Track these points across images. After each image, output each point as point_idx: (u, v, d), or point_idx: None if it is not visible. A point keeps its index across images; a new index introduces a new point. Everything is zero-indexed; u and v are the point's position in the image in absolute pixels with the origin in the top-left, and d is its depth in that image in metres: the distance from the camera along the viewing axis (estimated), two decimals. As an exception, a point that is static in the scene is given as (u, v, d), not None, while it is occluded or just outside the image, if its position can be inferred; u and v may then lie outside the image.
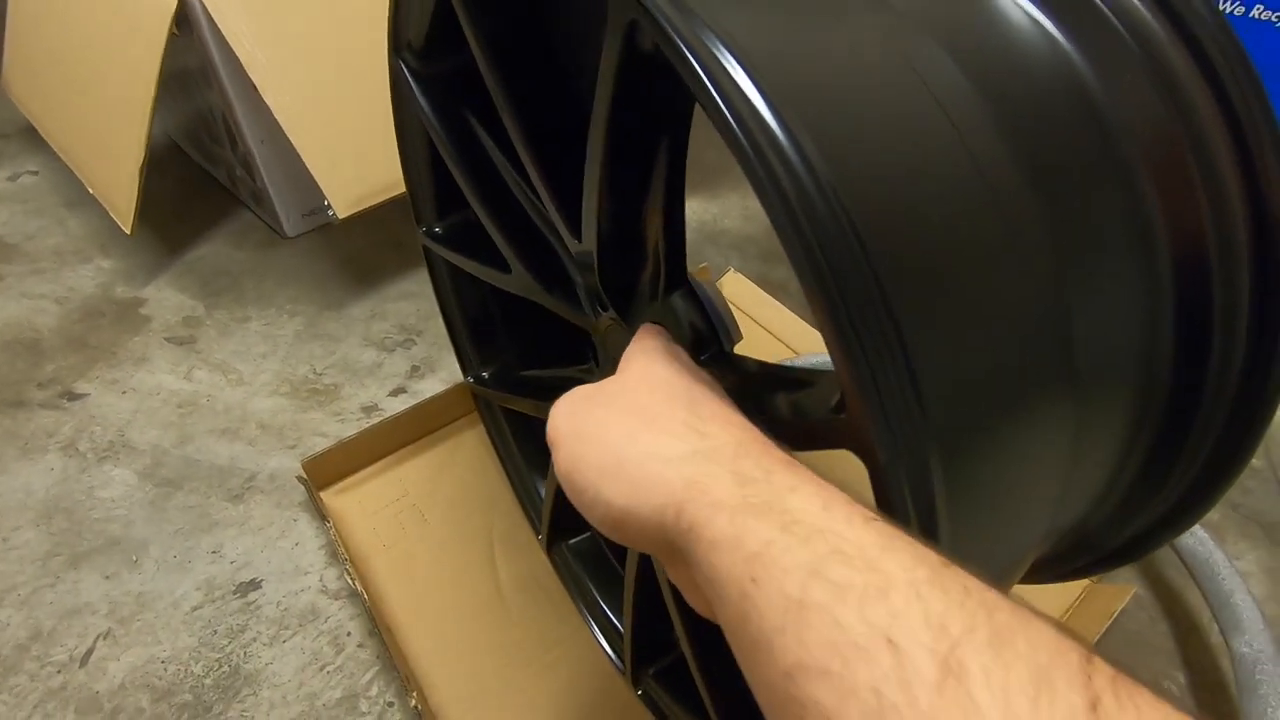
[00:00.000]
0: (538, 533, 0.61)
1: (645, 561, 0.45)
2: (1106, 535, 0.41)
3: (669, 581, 0.42)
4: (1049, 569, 0.44)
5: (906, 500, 0.20)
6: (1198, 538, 0.55)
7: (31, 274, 0.87)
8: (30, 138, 1.05)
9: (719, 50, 0.22)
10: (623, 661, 0.53)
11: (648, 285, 0.36)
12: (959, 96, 0.30)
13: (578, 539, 0.61)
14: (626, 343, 0.41)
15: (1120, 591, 0.56)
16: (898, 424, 0.20)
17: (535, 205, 0.42)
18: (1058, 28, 0.36)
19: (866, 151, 0.24)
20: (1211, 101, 0.30)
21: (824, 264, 0.20)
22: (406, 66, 0.44)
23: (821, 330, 0.21)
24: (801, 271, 0.20)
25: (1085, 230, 0.30)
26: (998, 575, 0.31)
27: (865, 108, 0.27)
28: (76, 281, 0.86)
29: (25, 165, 1.03)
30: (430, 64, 0.43)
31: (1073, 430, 0.29)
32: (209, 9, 0.70)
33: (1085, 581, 0.59)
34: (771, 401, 0.31)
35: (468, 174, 0.44)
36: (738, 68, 0.21)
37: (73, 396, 0.74)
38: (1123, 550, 0.41)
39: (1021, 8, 0.37)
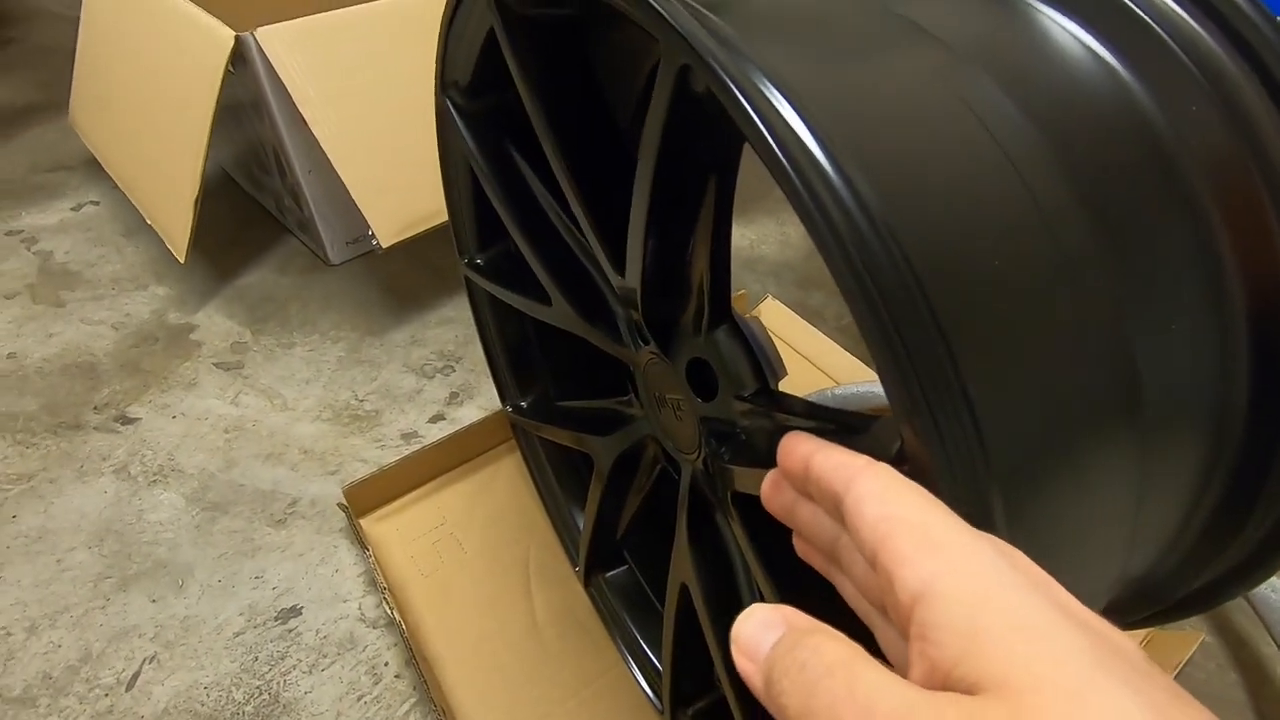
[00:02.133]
0: (574, 564, 0.61)
1: (685, 599, 0.44)
2: (1175, 584, 0.39)
3: (710, 621, 0.41)
4: (1113, 618, 0.42)
5: None
6: (1271, 585, 0.52)
7: (91, 300, 0.91)
8: (92, 169, 1.09)
9: (770, 92, 0.21)
10: (660, 700, 0.52)
11: (691, 321, 0.36)
12: (1014, 131, 0.29)
13: (615, 572, 0.60)
14: (667, 376, 0.41)
15: (1187, 639, 0.53)
16: (962, 473, 0.19)
17: (577, 238, 0.43)
18: (1116, 57, 0.35)
19: (922, 192, 0.24)
20: (1287, 135, 0.29)
21: (884, 311, 0.19)
22: (452, 104, 0.44)
23: (880, 375, 0.21)
24: (862, 320, 0.20)
25: (1151, 270, 0.29)
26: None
27: (920, 146, 0.26)
28: (132, 307, 0.89)
29: (88, 195, 1.07)
30: (475, 101, 0.44)
31: (1138, 476, 0.28)
32: (263, 46, 0.73)
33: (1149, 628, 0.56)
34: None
35: (510, 207, 0.44)
36: (790, 109, 0.20)
37: (126, 420, 0.76)
38: (1191, 601, 0.39)
39: (1076, 37, 0.36)
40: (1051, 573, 0.26)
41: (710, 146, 0.26)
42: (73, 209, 1.05)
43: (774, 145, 0.19)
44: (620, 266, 0.35)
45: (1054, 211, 0.28)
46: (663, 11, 0.21)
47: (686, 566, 0.42)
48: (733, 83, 0.19)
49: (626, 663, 0.56)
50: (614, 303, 0.43)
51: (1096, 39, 0.36)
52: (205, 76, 0.73)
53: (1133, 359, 0.27)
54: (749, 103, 0.19)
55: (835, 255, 0.19)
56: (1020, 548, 0.22)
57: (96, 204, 1.06)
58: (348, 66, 0.76)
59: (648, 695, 0.54)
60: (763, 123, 0.19)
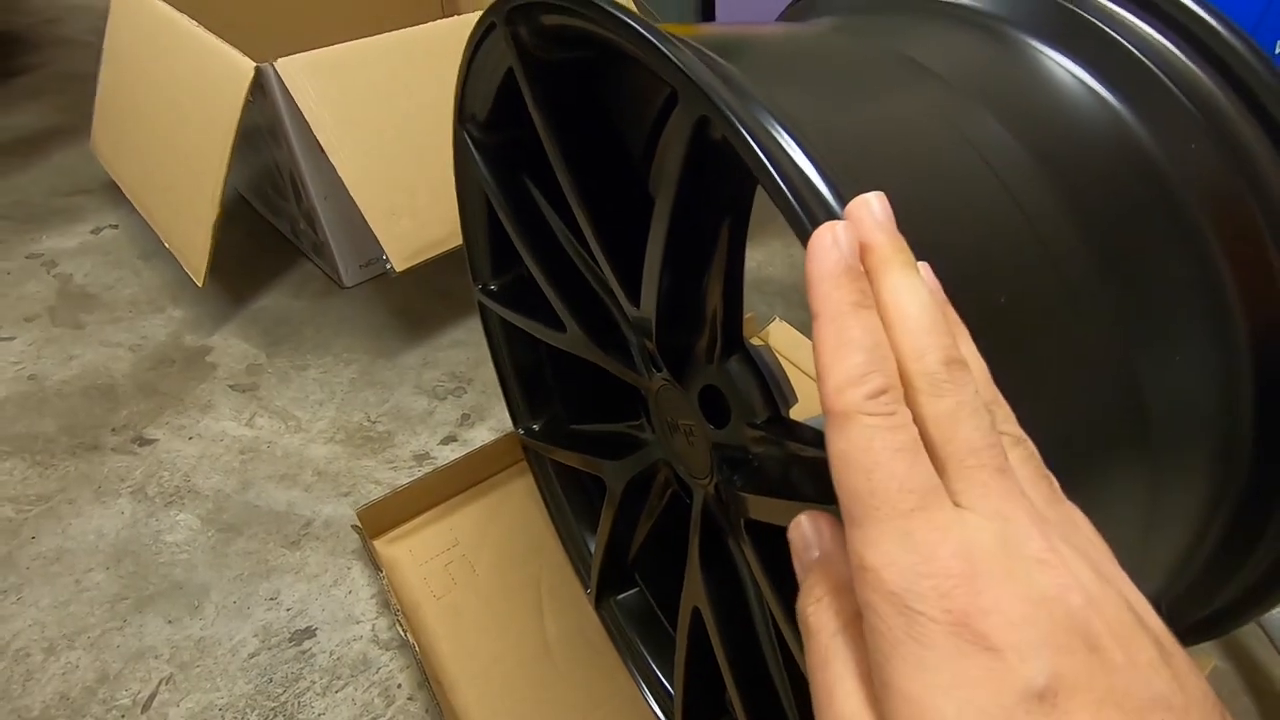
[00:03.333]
0: (586, 587, 0.61)
1: (698, 623, 0.44)
2: (1185, 610, 0.39)
3: (722, 645, 0.41)
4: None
5: None
6: (1282, 608, 0.52)
7: (109, 322, 0.92)
8: (111, 193, 1.11)
9: (782, 138, 0.22)
10: (672, 724, 0.52)
11: (704, 350, 0.37)
12: (1016, 167, 0.30)
13: (626, 594, 0.61)
14: (680, 403, 0.42)
15: (1198, 665, 0.53)
16: None
17: (591, 267, 0.44)
18: (1116, 97, 0.36)
19: (926, 228, 0.25)
20: (1284, 172, 0.30)
21: None
22: (470, 136, 0.46)
23: None
24: None
25: (1154, 302, 0.30)
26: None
27: (924, 184, 0.27)
28: (149, 330, 0.91)
29: (107, 219, 1.09)
30: (492, 134, 0.45)
31: (1146, 503, 0.28)
32: (283, 77, 0.75)
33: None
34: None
35: (525, 236, 0.45)
36: (800, 153, 0.21)
37: (144, 442, 0.77)
38: (1203, 626, 0.39)
39: (1077, 77, 0.37)
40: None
41: (725, 187, 0.27)
42: (92, 232, 1.07)
43: (787, 192, 0.20)
44: (635, 297, 0.36)
45: (1057, 245, 0.29)
46: (680, 64, 0.22)
47: (699, 590, 0.43)
48: (748, 133, 0.20)
49: (638, 685, 0.56)
50: (627, 330, 0.44)
51: (1097, 79, 0.37)
52: (226, 105, 0.75)
53: (1139, 389, 0.28)
54: (764, 153, 0.20)
55: None
56: None
57: (115, 228, 1.08)
58: (364, 95, 0.78)
59: (659, 719, 0.54)
60: (776, 171, 0.20)
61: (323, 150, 0.76)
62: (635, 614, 0.59)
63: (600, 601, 0.60)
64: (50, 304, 0.95)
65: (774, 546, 0.34)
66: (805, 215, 0.20)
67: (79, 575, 0.65)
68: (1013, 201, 0.29)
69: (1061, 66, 0.37)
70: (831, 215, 0.20)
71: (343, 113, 0.77)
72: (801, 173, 0.21)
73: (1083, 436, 0.27)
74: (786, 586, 0.34)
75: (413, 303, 0.94)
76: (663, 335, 0.35)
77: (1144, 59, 0.37)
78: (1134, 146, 0.35)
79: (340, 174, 0.75)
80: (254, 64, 0.74)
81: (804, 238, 0.20)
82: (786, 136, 0.21)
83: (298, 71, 0.75)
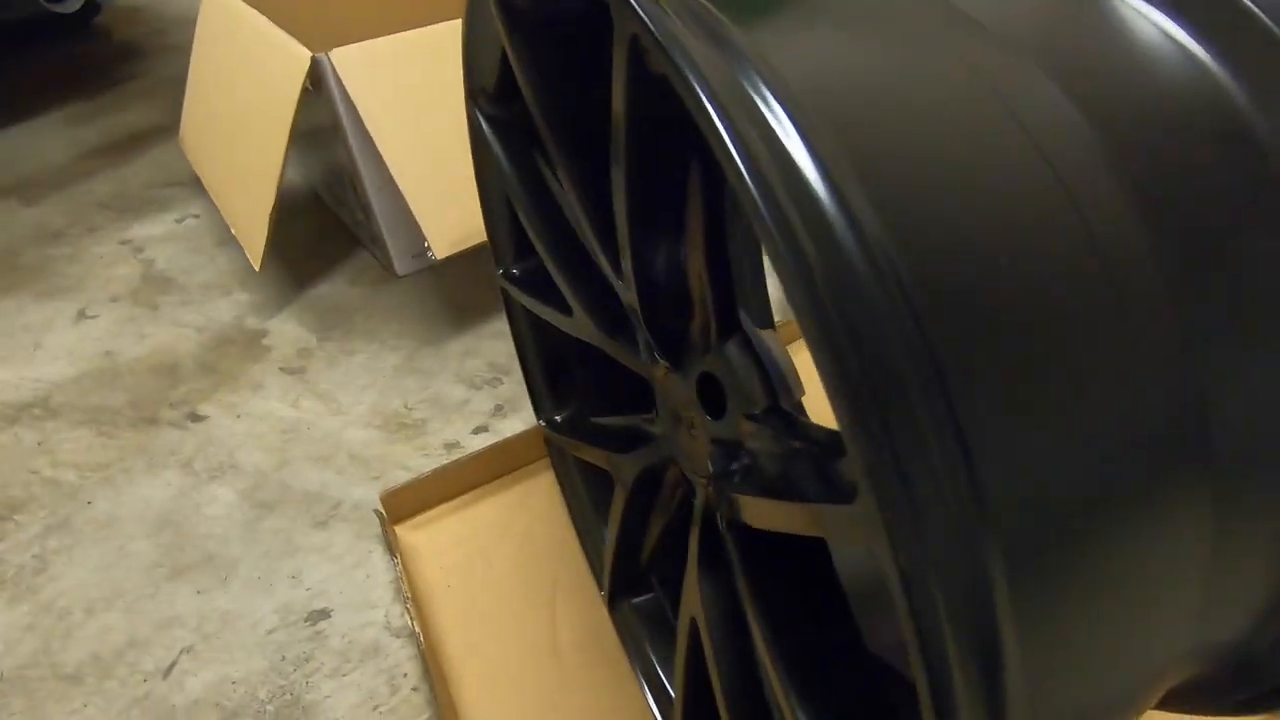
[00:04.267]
0: (601, 588, 0.58)
1: (697, 632, 0.40)
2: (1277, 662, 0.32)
3: (715, 661, 0.38)
4: (1206, 698, 0.35)
5: (945, 637, 0.15)
6: None
7: (182, 304, 0.97)
8: (197, 185, 1.18)
9: (721, 56, 0.18)
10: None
11: (699, 334, 0.33)
12: (1066, 135, 0.25)
13: (642, 599, 0.57)
14: (682, 392, 0.38)
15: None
16: (940, 538, 0.15)
17: (593, 246, 0.41)
18: (1203, 45, 0.30)
19: (935, 204, 0.20)
20: None
21: (860, 354, 0.16)
22: (480, 112, 0.44)
23: (840, 415, 0.17)
24: (835, 368, 0.16)
25: (1232, 298, 0.24)
26: (1108, 707, 0.25)
27: (940, 151, 0.22)
28: (216, 312, 0.95)
29: (191, 209, 1.16)
30: (501, 108, 0.43)
31: (1210, 532, 0.23)
32: (336, 66, 0.76)
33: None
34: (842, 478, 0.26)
35: (534, 216, 0.43)
36: (759, 87, 0.18)
37: (196, 418, 0.80)
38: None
39: (1158, 25, 0.31)
40: (1089, 647, 0.22)
41: (683, 135, 0.24)
42: (177, 220, 1.14)
43: (727, 139, 0.16)
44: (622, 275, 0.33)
45: (1104, 225, 0.24)
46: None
47: (696, 600, 0.39)
48: (670, 47, 0.17)
49: (644, 696, 0.52)
50: (631, 316, 0.41)
51: (1183, 27, 0.31)
52: (284, 95, 0.77)
53: (1203, 401, 0.23)
54: (696, 78, 0.17)
55: (807, 299, 0.16)
56: (1037, 623, 0.18)
57: (197, 217, 1.14)
58: (415, 84, 0.79)
59: (663, 734, 0.50)
60: (708, 98, 0.16)
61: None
62: (649, 619, 0.55)
63: (614, 604, 0.57)
64: (134, 286, 1.01)
65: (759, 554, 0.30)
66: (750, 175, 0.16)
67: (124, 541, 0.68)
68: (1044, 162, 0.24)
69: (1136, 10, 0.31)
70: (786, 166, 0.17)
71: (393, 101, 0.77)
72: (747, 105, 0.17)
73: (1120, 457, 0.22)
74: (773, 603, 0.30)
75: (461, 293, 0.94)
76: (650, 315, 0.32)
77: (1249, 3, 0.31)
78: (1225, 110, 0.29)
79: (386, 160, 0.76)
80: (310, 54, 0.76)
81: (748, 202, 0.16)
82: (732, 59, 0.17)
83: (351, 61, 0.76)
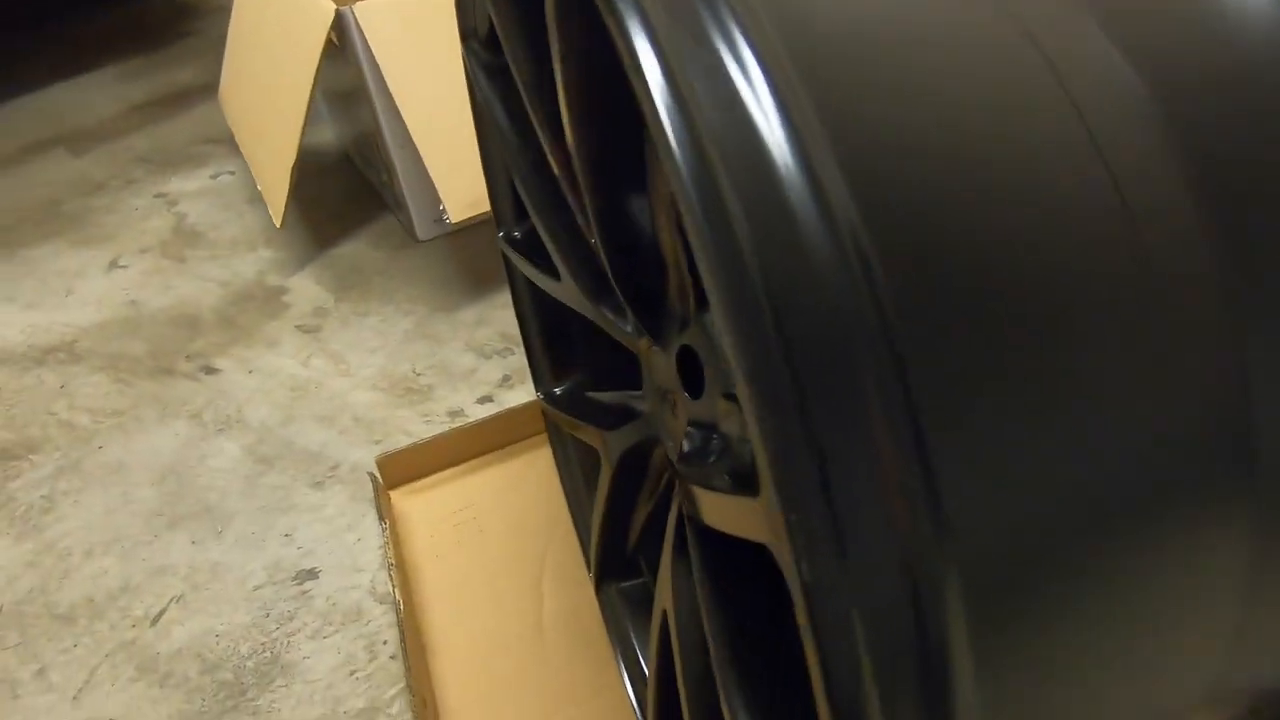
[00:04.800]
0: (590, 569, 0.56)
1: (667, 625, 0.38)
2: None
3: (681, 660, 0.35)
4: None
5: (862, 674, 0.12)
6: None
7: (209, 259, 0.98)
8: (235, 143, 1.19)
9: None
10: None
11: (677, 302, 0.30)
12: (1103, 83, 0.21)
13: (630, 583, 0.55)
14: (665, 369, 0.35)
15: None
16: (862, 541, 0.12)
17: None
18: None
19: (918, 164, 0.17)
20: None
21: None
22: (474, 57, 0.41)
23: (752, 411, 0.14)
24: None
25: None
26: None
27: (937, 96, 0.19)
28: (240, 267, 0.95)
29: (226, 166, 1.17)
30: (495, 54, 0.40)
31: (1246, 555, 0.19)
32: (359, 18, 0.75)
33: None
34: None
35: (523, 171, 0.40)
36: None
37: (210, 370, 0.80)
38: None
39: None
40: (1083, 681, 0.18)
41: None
42: (211, 177, 1.15)
43: (633, 62, 0.13)
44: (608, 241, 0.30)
45: (1140, 193, 0.20)
46: None
47: (668, 592, 0.36)
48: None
49: (623, 683, 0.50)
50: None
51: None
52: (307, 49, 0.76)
53: (1246, 405, 0.19)
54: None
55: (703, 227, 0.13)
56: (1006, 658, 0.15)
57: (232, 174, 1.15)
58: (439, 41, 0.76)
59: (638, 717, 0.48)
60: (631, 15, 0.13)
61: (393, 96, 0.75)
62: (634, 603, 0.53)
63: (601, 586, 0.54)
64: (164, 238, 1.02)
65: (720, 552, 0.27)
66: (671, 126, 0.13)
67: (129, 488, 0.68)
68: (1082, 125, 0.20)
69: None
70: (708, 84, 0.13)
71: (415, 59, 0.75)
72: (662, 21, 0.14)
73: (1151, 467, 0.18)
74: (727, 605, 0.27)
75: (479, 261, 0.92)
76: (621, 276, 0.29)
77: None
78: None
79: (405, 118, 0.74)
80: (335, 7, 0.74)
81: (666, 156, 0.13)
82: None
83: (375, 14, 0.75)
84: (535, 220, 0.41)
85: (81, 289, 0.95)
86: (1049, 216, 0.17)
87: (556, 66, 0.20)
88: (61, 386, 0.80)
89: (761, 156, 0.14)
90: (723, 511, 0.24)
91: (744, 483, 0.25)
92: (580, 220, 0.31)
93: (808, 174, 0.14)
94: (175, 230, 1.04)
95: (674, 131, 0.12)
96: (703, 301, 0.29)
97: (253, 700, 0.52)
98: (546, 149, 0.31)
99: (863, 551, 0.12)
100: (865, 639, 0.12)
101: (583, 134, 0.22)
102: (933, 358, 0.13)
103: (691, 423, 0.32)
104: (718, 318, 0.13)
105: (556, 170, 0.31)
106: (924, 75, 0.19)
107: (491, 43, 0.40)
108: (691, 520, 0.28)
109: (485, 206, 0.76)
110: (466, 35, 0.41)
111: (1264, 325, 0.19)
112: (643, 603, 0.54)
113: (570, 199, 0.31)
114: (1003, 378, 0.14)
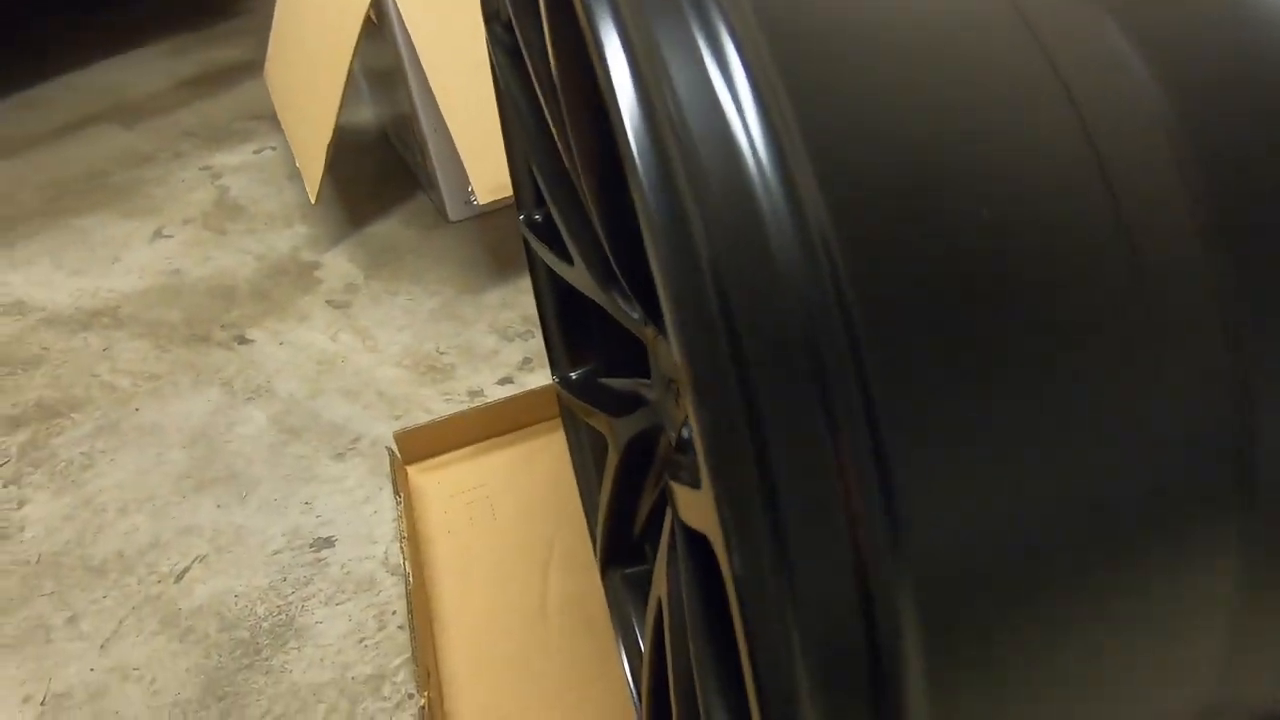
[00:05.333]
0: (596, 554, 0.57)
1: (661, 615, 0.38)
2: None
3: (673, 652, 0.35)
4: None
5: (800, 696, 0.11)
6: None
7: (247, 232, 1.01)
8: (278, 120, 1.22)
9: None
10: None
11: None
12: (1106, 76, 0.21)
13: (636, 569, 0.55)
14: (670, 357, 0.35)
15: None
16: (807, 545, 0.12)
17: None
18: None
19: (895, 160, 0.16)
20: None
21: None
22: (496, 40, 0.41)
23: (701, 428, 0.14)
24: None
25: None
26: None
27: (922, 81, 0.18)
28: (277, 241, 0.98)
29: (269, 142, 1.19)
30: (515, 35, 0.40)
31: (1232, 596, 0.18)
32: (398, 4, 0.75)
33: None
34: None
35: (540, 153, 0.41)
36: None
37: (243, 341, 0.83)
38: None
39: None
40: (1035, 708, 0.18)
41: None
42: (255, 152, 1.18)
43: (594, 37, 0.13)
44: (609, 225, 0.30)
45: (1134, 185, 0.19)
46: None
47: (664, 581, 0.36)
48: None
49: (622, 668, 0.51)
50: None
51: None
52: (346, 27, 0.77)
53: (1236, 415, 0.18)
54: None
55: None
56: (962, 673, 0.14)
57: (274, 149, 1.18)
58: (474, 24, 0.77)
59: (636, 706, 0.49)
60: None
61: (427, 77, 0.75)
62: (639, 589, 0.53)
63: (607, 571, 0.55)
64: (206, 210, 1.05)
65: (705, 548, 0.27)
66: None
67: (162, 450, 0.71)
68: (1079, 123, 0.20)
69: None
70: (671, 64, 0.13)
71: (450, 40, 0.76)
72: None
73: (1131, 493, 0.18)
74: (708, 601, 0.27)
75: (507, 244, 0.93)
76: (623, 260, 0.29)
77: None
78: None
79: (437, 99, 0.75)
80: (374, -14, 0.75)
81: (615, 111, 0.13)
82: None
83: (413, 1, 0.75)
84: (550, 204, 0.41)
85: (127, 257, 0.98)
86: (1033, 214, 0.17)
87: (550, 55, 0.20)
88: (104, 350, 0.84)
89: (731, 155, 0.14)
90: (687, 506, 0.24)
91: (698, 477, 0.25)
92: (587, 207, 0.31)
93: (780, 170, 0.14)
94: (217, 203, 1.07)
95: (629, 113, 0.12)
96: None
97: (266, 660, 0.54)
98: (555, 135, 0.31)
99: (804, 551, 0.12)
100: (801, 642, 0.11)
101: (577, 123, 0.22)
102: (891, 355, 0.13)
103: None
104: (662, 299, 0.13)
105: (564, 157, 0.31)
106: (921, 68, 0.18)
107: (512, 26, 0.40)
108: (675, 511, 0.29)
109: (510, 190, 0.77)
110: (489, 18, 0.41)
111: (1265, 325, 0.18)
112: (646, 589, 0.55)
113: (577, 185, 0.31)
114: (969, 379, 0.14)
